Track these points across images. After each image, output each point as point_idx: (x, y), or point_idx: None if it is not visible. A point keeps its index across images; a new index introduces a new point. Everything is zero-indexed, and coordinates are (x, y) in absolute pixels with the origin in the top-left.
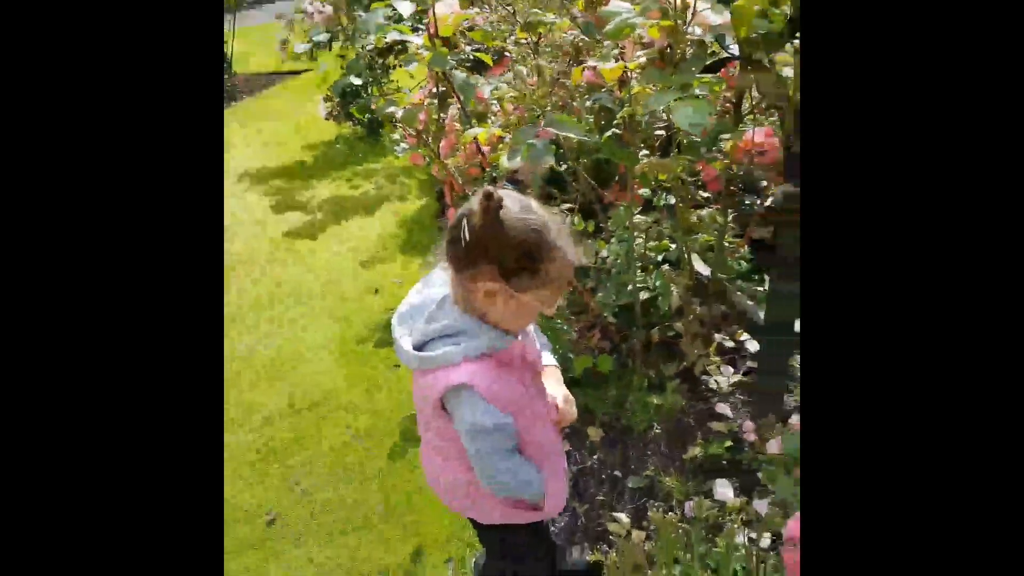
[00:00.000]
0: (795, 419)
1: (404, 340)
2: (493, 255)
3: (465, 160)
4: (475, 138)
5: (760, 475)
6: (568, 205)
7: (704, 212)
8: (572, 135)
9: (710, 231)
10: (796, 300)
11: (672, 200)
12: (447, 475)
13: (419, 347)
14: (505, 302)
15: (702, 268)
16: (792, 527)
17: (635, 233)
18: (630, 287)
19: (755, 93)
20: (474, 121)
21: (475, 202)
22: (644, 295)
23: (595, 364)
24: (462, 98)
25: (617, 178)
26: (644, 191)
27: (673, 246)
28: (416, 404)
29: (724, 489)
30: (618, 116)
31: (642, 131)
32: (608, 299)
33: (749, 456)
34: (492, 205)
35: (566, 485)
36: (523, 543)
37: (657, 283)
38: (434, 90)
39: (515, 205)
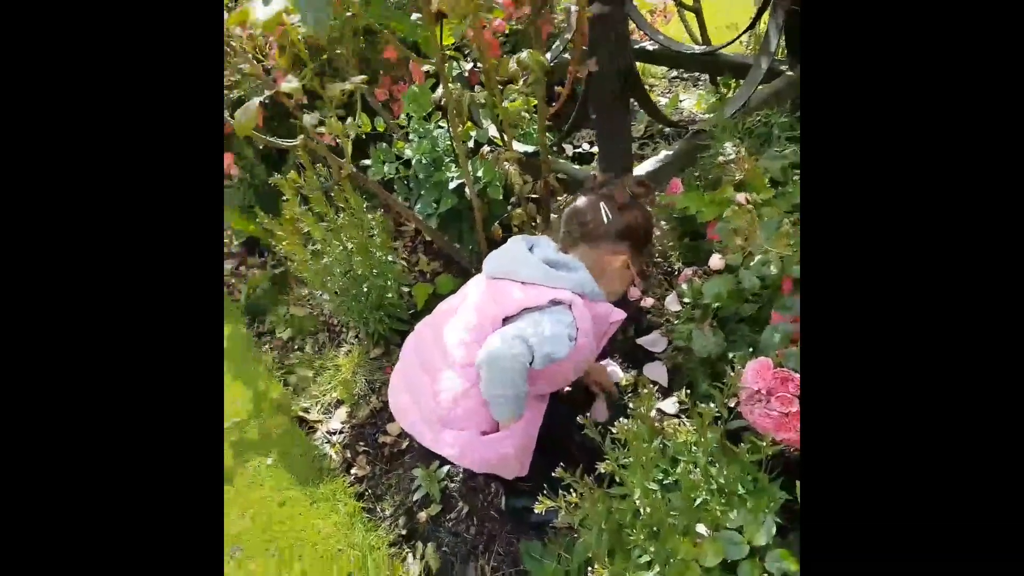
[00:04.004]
0: (688, 269)
1: (521, 252)
2: (632, 234)
3: None
4: None
5: (672, 336)
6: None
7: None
8: None
9: (528, 93)
10: (626, 146)
11: (467, 68)
12: (475, 399)
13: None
14: (622, 271)
15: (520, 146)
16: (747, 377)
17: (435, 121)
18: (452, 185)
19: None
20: None
21: (612, 188)
22: (476, 187)
23: (435, 288)
24: None
25: (382, 71)
26: (427, 67)
27: (478, 129)
28: (454, 327)
29: (657, 371)
30: None
31: None
32: (428, 208)
33: (655, 323)
34: (643, 194)
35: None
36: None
37: (480, 171)
38: None
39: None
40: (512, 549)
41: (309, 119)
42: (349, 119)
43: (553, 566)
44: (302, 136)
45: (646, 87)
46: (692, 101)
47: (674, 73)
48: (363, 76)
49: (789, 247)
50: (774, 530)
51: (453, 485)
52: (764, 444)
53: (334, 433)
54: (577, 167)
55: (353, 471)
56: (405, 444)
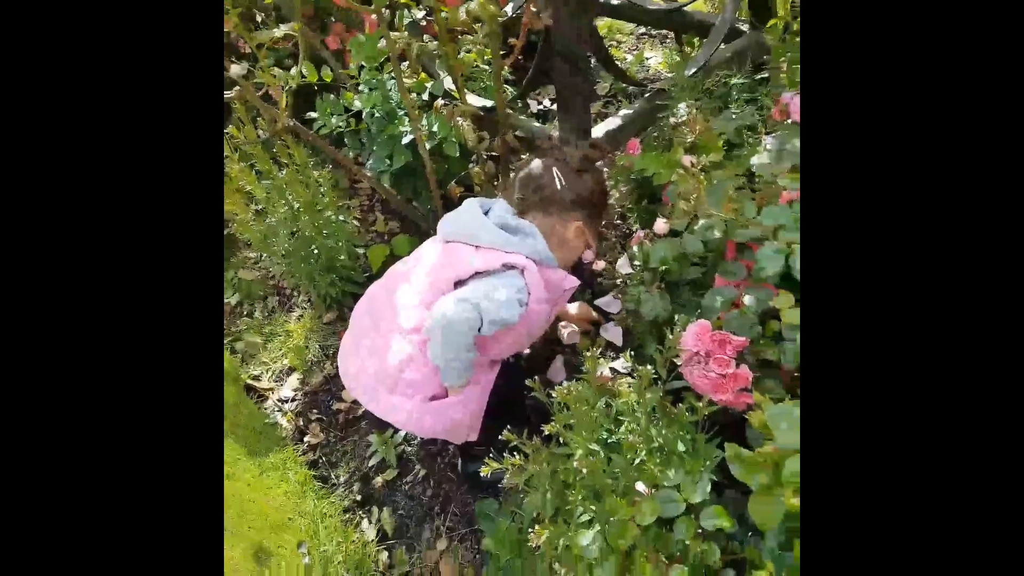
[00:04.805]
0: (640, 231)
1: (476, 215)
2: (586, 201)
3: None
4: None
5: (623, 299)
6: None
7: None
8: None
9: (481, 44)
10: (585, 105)
11: (419, 15)
12: (423, 364)
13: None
14: (576, 237)
15: (478, 100)
16: (687, 339)
17: (387, 71)
18: (405, 139)
19: None
20: None
21: (566, 152)
22: (428, 144)
23: (391, 249)
24: None
25: (334, 17)
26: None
27: (433, 81)
28: (407, 291)
29: (612, 332)
30: None
31: None
32: (380, 165)
33: (609, 286)
34: (597, 156)
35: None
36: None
37: (435, 126)
38: None
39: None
40: (468, 509)
41: (237, 69)
42: (294, 69)
43: (507, 524)
44: (236, 87)
45: (612, 43)
46: (659, 59)
47: (642, 30)
48: (294, 23)
49: (733, 212)
50: (709, 488)
51: (410, 449)
52: (701, 405)
53: (286, 401)
54: (537, 124)
55: (306, 439)
56: (360, 411)
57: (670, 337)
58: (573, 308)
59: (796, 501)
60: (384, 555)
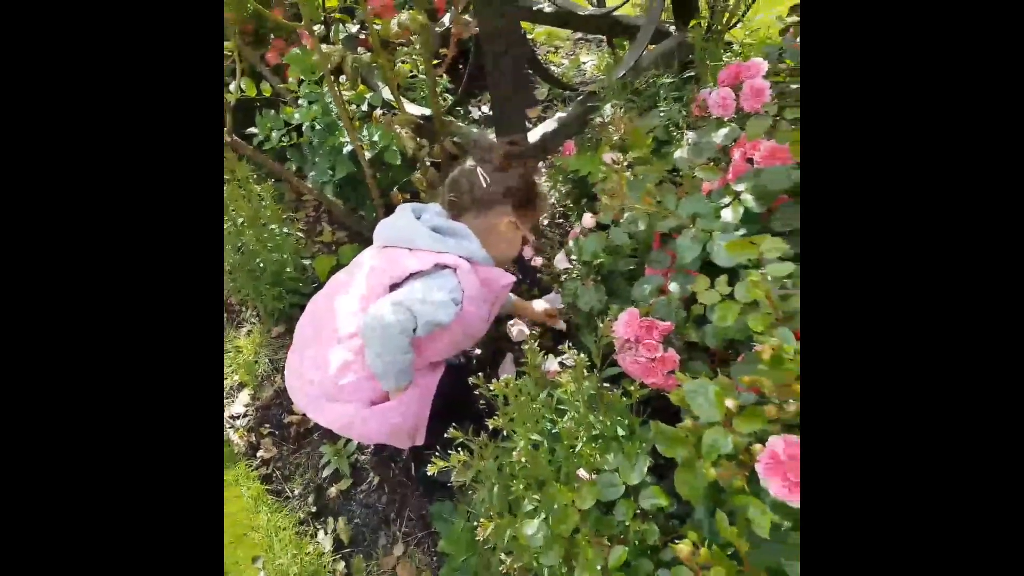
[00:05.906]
0: (577, 228)
1: (408, 220)
2: (513, 194)
3: None
4: None
5: (562, 293)
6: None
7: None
8: None
9: (415, 55)
10: (521, 111)
11: (354, 29)
12: (360, 370)
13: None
14: (509, 233)
15: (417, 109)
16: (619, 327)
17: (325, 82)
18: (346, 149)
19: None
20: None
21: (488, 153)
22: (368, 154)
23: (338, 259)
24: None
25: (272, 35)
26: (318, 28)
27: (373, 92)
28: (346, 298)
29: (562, 326)
30: None
31: None
32: (323, 176)
33: (549, 281)
34: (516, 153)
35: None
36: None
37: (377, 135)
38: None
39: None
40: (423, 513)
41: None
42: (232, 84)
43: (462, 524)
44: None
45: (550, 49)
46: (594, 62)
47: (578, 35)
48: (229, 43)
49: (655, 204)
50: (646, 469)
51: (364, 458)
52: (633, 389)
53: (237, 417)
54: (475, 129)
55: (259, 454)
56: (312, 423)
57: (601, 325)
58: (540, 305)
59: (714, 471)
60: (341, 565)
